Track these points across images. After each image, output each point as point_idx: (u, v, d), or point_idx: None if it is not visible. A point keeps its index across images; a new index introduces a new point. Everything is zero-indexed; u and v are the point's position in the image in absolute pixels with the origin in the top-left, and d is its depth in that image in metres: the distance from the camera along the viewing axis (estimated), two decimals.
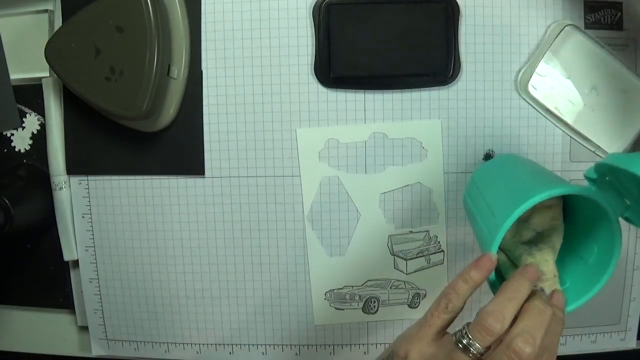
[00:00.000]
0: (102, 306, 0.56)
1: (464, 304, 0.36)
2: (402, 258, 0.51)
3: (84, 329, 0.57)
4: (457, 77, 0.50)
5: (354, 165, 0.52)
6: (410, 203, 0.52)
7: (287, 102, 0.51)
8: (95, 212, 0.54)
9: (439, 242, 0.52)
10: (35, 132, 0.55)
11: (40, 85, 0.53)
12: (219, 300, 0.55)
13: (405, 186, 0.51)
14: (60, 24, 0.51)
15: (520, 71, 0.51)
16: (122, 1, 0.45)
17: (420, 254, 0.51)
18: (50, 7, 0.53)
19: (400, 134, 0.51)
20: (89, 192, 0.54)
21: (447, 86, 0.51)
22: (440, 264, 0.52)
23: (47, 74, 0.53)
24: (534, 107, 0.51)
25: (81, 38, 0.46)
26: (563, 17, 0.50)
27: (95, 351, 0.57)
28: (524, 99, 0.51)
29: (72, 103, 0.52)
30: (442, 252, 0.52)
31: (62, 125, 0.53)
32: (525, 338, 0.32)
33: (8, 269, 0.57)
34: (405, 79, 0.50)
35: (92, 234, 0.55)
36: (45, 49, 0.47)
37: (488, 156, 0.52)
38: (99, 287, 0.55)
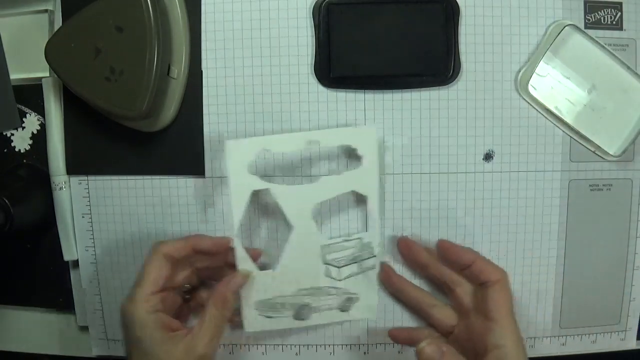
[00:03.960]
0: (102, 306, 0.56)
1: None
2: (334, 266, 0.50)
3: (84, 329, 0.57)
4: (457, 77, 0.50)
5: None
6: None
7: (287, 102, 0.51)
8: (95, 212, 0.54)
9: (372, 248, 0.50)
10: (35, 132, 0.55)
11: (40, 85, 0.53)
12: None
13: (339, 195, 0.49)
14: (60, 24, 0.51)
15: (520, 71, 0.51)
16: (122, 1, 0.45)
17: (353, 261, 0.50)
18: (50, 7, 0.53)
19: (334, 142, 0.49)
20: (89, 192, 0.54)
21: (447, 86, 0.51)
22: (372, 269, 0.50)
23: (47, 74, 0.53)
24: (534, 107, 0.51)
25: (81, 38, 0.46)
26: (563, 17, 0.50)
27: (95, 351, 0.57)
28: (524, 99, 0.51)
29: (72, 103, 0.52)
30: (374, 257, 0.50)
31: (62, 125, 0.53)
32: None
33: (8, 269, 0.57)
34: (405, 79, 0.50)
35: (92, 234, 0.55)
36: (45, 49, 0.47)
37: (488, 156, 0.52)
38: (99, 287, 0.55)
